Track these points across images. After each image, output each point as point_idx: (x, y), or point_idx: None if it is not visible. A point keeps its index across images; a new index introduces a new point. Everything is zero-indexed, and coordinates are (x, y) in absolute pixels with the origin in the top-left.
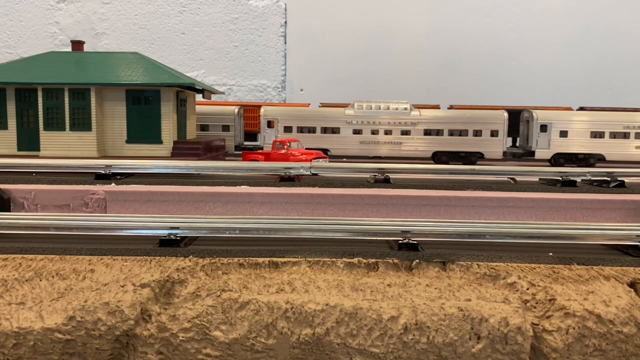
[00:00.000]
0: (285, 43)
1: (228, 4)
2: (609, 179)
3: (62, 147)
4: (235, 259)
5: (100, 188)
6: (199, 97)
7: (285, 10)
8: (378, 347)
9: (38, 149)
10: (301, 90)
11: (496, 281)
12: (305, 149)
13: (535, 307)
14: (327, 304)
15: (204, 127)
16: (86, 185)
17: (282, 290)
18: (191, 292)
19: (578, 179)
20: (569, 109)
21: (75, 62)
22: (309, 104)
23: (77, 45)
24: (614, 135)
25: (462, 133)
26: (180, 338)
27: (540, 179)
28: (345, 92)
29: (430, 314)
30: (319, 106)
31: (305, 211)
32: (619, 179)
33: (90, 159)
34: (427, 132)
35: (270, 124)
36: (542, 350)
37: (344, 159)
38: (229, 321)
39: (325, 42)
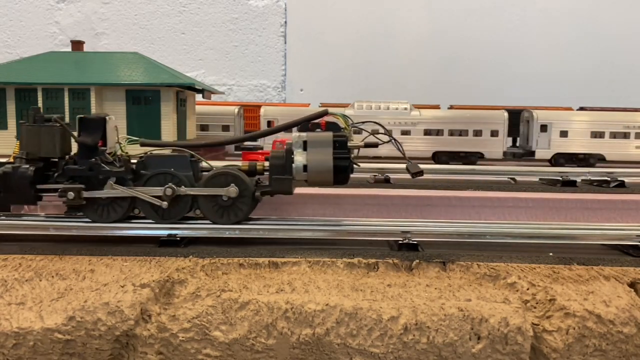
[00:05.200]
0: (285, 43)
1: (228, 4)
2: (609, 179)
3: None
4: (235, 259)
5: None
6: (199, 97)
7: (285, 10)
8: (378, 347)
9: None
10: (301, 90)
11: (496, 281)
12: None
13: (535, 307)
14: (327, 304)
15: (204, 127)
16: None
17: (282, 290)
18: (191, 292)
19: (578, 179)
20: (569, 109)
21: (75, 62)
22: (309, 104)
23: (77, 45)
24: (614, 135)
25: (462, 133)
26: (180, 338)
27: (540, 179)
28: (345, 92)
29: (430, 314)
30: (319, 106)
31: (305, 211)
32: (619, 179)
33: None
34: (427, 132)
35: (270, 124)
36: (542, 350)
37: None
38: (229, 321)
39: (325, 42)
